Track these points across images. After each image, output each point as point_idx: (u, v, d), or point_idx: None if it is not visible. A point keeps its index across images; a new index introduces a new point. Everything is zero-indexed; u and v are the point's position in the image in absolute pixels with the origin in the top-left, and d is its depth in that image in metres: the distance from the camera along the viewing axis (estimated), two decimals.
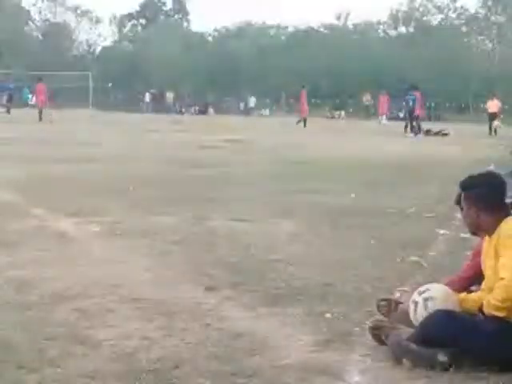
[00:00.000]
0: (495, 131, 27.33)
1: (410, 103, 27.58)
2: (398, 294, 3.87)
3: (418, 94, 28.04)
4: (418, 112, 27.54)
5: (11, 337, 3.66)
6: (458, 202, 3.69)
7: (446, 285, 3.80)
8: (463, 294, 3.63)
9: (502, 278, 3.32)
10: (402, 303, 3.82)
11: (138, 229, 6.70)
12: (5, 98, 40.59)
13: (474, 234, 3.75)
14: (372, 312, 4.13)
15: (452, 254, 5.63)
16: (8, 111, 34.34)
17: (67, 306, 4.24)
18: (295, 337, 3.80)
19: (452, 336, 3.33)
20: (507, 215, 3.54)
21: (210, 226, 6.98)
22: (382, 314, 3.89)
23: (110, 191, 9.12)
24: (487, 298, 3.40)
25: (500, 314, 3.32)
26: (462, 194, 3.64)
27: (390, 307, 3.81)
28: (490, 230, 3.52)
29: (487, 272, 3.55)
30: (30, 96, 46.61)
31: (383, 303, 3.87)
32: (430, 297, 3.58)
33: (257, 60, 56.03)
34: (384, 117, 32.24)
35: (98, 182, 9.90)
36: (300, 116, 31.66)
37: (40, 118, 29.06)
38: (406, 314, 3.66)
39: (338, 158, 14.89)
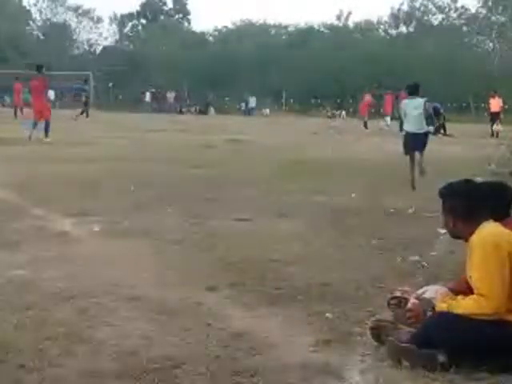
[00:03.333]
0: (497, 135, 27.09)
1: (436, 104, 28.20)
2: (398, 294, 3.86)
3: (403, 94, 28.29)
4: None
5: (11, 337, 3.67)
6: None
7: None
8: (460, 297, 3.63)
9: (481, 294, 3.35)
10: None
11: (139, 229, 6.70)
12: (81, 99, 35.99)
13: (455, 237, 3.78)
14: (372, 312, 4.14)
15: (452, 254, 5.63)
16: (85, 114, 32.57)
17: (67, 306, 4.24)
18: (295, 337, 3.81)
19: (452, 337, 3.33)
20: (483, 221, 3.54)
21: (210, 225, 6.98)
22: (392, 310, 3.85)
23: (111, 191, 9.11)
24: (459, 301, 3.45)
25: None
26: (445, 200, 3.69)
27: (400, 305, 3.79)
28: (468, 237, 3.54)
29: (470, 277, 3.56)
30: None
31: (394, 301, 3.84)
32: (430, 298, 3.58)
33: (257, 60, 55.97)
34: (388, 118, 31.91)
35: (99, 182, 9.89)
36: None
37: (15, 116, 30.05)
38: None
39: (338, 158, 14.88)
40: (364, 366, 3.43)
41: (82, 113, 32.99)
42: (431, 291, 3.65)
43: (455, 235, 3.69)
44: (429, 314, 3.54)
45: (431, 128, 11.14)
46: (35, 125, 17.80)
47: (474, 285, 3.41)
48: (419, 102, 10.83)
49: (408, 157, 10.90)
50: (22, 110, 30.79)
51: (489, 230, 3.48)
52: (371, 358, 3.52)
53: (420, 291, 3.69)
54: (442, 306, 3.49)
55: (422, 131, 10.81)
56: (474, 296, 3.39)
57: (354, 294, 4.60)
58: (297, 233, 6.71)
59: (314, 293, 4.60)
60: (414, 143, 10.83)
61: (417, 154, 10.94)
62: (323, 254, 5.77)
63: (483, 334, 3.31)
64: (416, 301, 3.65)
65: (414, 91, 11.14)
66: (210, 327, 3.92)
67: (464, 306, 3.39)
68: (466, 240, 3.57)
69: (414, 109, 10.82)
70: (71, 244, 6.07)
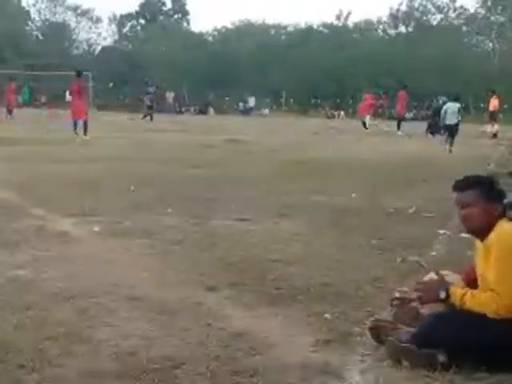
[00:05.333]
0: (495, 135, 26.96)
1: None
2: (397, 294, 3.85)
3: (403, 93, 28.41)
4: (402, 111, 29.00)
5: (11, 337, 3.66)
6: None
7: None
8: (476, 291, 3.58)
9: (497, 293, 3.31)
10: (413, 300, 3.75)
11: (138, 229, 6.70)
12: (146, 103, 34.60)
13: (471, 233, 3.69)
14: (372, 312, 4.14)
15: (452, 254, 5.63)
16: (149, 117, 32.30)
17: (67, 306, 4.24)
18: (295, 337, 3.81)
19: (452, 336, 3.33)
20: (502, 216, 3.53)
21: (210, 225, 6.98)
22: (396, 307, 3.83)
23: (111, 191, 9.11)
24: (476, 294, 3.40)
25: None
26: (469, 192, 3.57)
27: (403, 305, 3.76)
28: (489, 229, 3.48)
29: (481, 276, 3.53)
30: (29, 96, 46.61)
31: (396, 302, 3.82)
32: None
33: (257, 60, 56.00)
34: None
35: (99, 182, 9.89)
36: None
37: (6, 116, 30.39)
38: (410, 314, 3.65)
39: (337, 158, 14.89)
40: (364, 366, 3.43)
41: (145, 116, 32.74)
42: (451, 276, 3.60)
43: (479, 225, 3.50)
44: (442, 294, 3.48)
45: (459, 117, 19.81)
46: (75, 124, 19.33)
47: (491, 283, 3.34)
48: (457, 106, 19.80)
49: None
50: (11, 110, 30.96)
51: (506, 229, 3.44)
52: (371, 358, 3.52)
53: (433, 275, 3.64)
54: (458, 292, 3.43)
55: (454, 123, 19.54)
56: (491, 293, 3.32)
57: (353, 294, 4.59)
58: (297, 233, 6.71)
59: (314, 293, 4.59)
60: (450, 130, 19.63)
61: (450, 138, 19.32)
62: (323, 254, 5.77)
63: (484, 332, 3.30)
64: (434, 276, 3.59)
65: (456, 99, 20.30)
66: (210, 327, 3.92)
67: (478, 301, 3.33)
68: (482, 239, 3.52)
69: (452, 110, 19.55)
70: (71, 244, 6.07)
